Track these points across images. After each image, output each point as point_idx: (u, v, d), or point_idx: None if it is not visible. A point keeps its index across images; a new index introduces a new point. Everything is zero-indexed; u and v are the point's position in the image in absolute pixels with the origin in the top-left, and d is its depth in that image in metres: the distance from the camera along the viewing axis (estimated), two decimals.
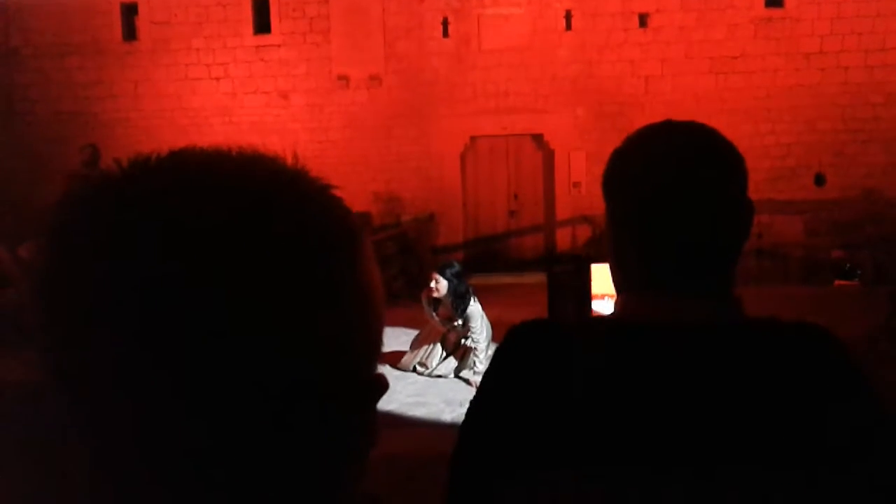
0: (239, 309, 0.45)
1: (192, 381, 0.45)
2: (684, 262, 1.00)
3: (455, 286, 6.05)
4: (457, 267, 6.16)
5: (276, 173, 0.51)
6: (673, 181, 1.00)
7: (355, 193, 12.12)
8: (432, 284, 6.10)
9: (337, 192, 0.53)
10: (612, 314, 1.08)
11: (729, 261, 1.03)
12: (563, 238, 12.04)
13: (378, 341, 0.54)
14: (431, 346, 6.32)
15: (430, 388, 5.99)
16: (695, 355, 0.96)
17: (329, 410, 0.49)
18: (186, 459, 0.46)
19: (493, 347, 6.01)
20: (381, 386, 0.53)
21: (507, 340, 1.07)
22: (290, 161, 0.53)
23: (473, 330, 6.03)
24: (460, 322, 6.14)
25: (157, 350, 0.44)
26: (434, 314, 6.27)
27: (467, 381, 6.10)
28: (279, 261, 0.47)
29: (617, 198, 1.06)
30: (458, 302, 6.05)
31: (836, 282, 10.26)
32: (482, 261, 12.17)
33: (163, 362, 0.44)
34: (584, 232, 11.65)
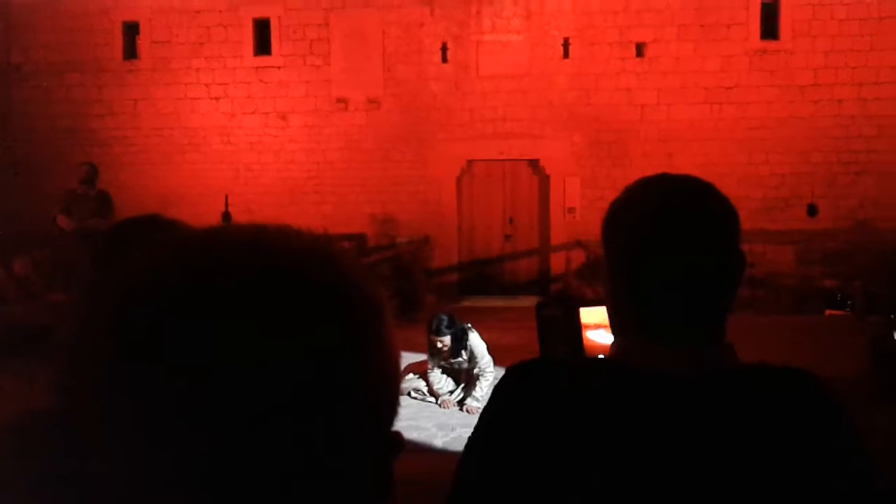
0: (281, 371, 0.49)
1: (228, 438, 0.48)
2: (679, 311, 1.04)
3: (455, 333, 6.07)
4: (446, 318, 6.14)
5: (312, 248, 0.55)
6: (668, 233, 1.04)
7: (351, 215, 12.17)
8: (438, 346, 6.10)
9: (360, 264, 0.58)
10: (608, 356, 1.12)
11: (721, 309, 1.06)
12: (558, 262, 12.09)
13: (397, 400, 0.57)
14: (433, 373, 6.29)
15: (422, 412, 5.99)
16: (691, 401, 1.00)
17: (353, 464, 0.52)
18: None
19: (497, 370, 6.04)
20: (400, 443, 0.57)
21: (506, 381, 1.11)
22: (321, 236, 0.58)
23: (481, 359, 6.07)
24: (465, 358, 6.15)
25: (196, 412, 0.47)
26: (436, 362, 6.25)
27: (460, 406, 6.10)
28: (319, 326, 0.51)
29: (614, 246, 1.10)
30: (457, 343, 6.08)
31: (827, 311, 10.29)
32: (477, 283, 12.19)
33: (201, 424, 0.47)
34: (578, 256, 11.70)
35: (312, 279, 0.52)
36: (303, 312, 0.50)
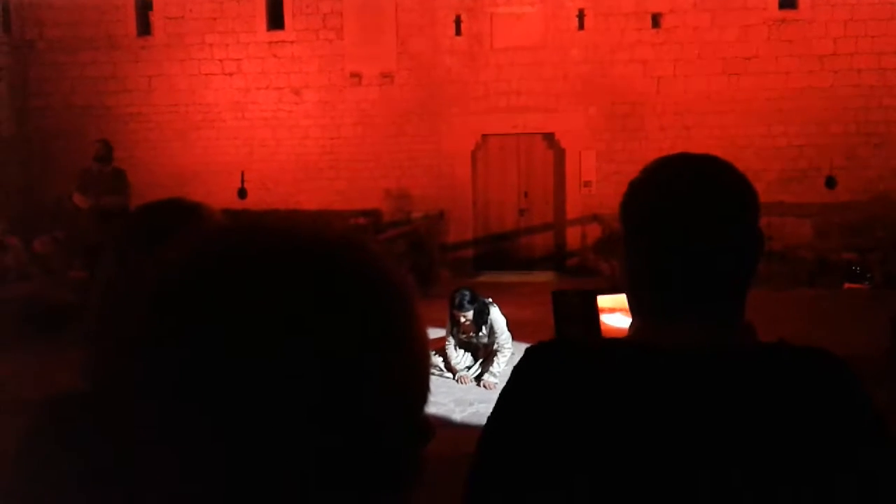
0: (324, 358, 0.51)
1: (272, 421, 0.49)
2: (696, 290, 1.04)
3: (477, 307, 6.11)
4: (469, 293, 6.18)
5: (344, 241, 0.57)
6: (687, 213, 1.04)
7: (366, 190, 12.17)
8: (462, 321, 6.13)
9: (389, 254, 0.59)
10: (626, 337, 1.12)
11: (740, 288, 1.06)
12: (574, 237, 12.06)
13: (427, 388, 0.59)
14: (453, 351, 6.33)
15: (440, 388, 6.02)
16: (706, 380, 1.00)
17: (384, 452, 0.54)
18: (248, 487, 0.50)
19: (515, 346, 6.07)
20: (431, 428, 0.58)
21: (525, 361, 1.11)
22: (351, 228, 0.59)
23: (500, 335, 6.11)
24: (486, 333, 6.19)
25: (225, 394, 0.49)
26: (456, 337, 6.28)
27: (478, 381, 6.13)
28: (352, 316, 0.52)
29: (633, 226, 1.10)
30: (479, 318, 6.11)
31: (846, 284, 10.24)
32: (492, 259, 12.19)
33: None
34: (593, 231, 11.67)
35: (345, 272, 0.54)
36: (336, 304, 0.52)
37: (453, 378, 6.22)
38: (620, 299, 1.14)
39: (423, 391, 0.58)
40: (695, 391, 0.99)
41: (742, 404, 0.99)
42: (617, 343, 1.16)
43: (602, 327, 1.57)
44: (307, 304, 0.51)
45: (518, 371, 1.11)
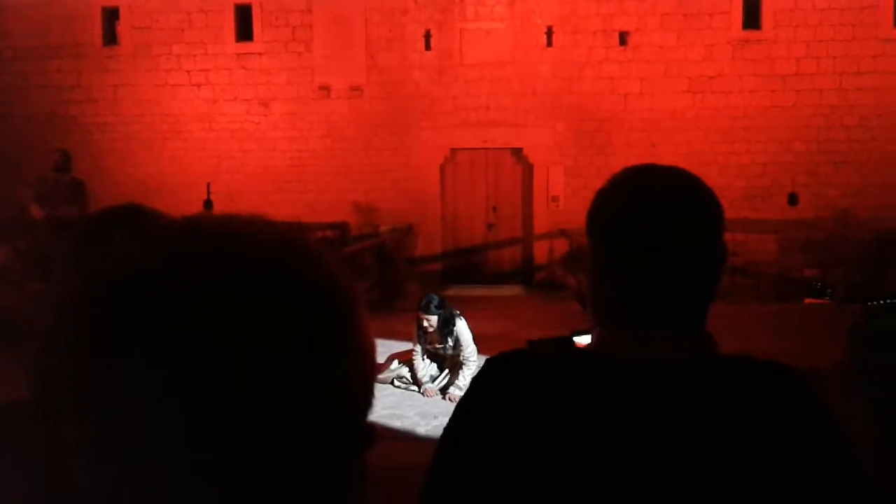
0: (259, 361, 0.49)
1: (206, 419, 0.48)
2: (663, 303, 1.04)
3: (442, 316, 6.10)
4: (437, 299, 6.20)
5: (284, 237, 0.55)
6: (652, 222, 1.04)
7: (334, 203, 12.13)
8: (424, 325, 6.13)
9: (335, 260, 0.57)
10: (590, 347, 1.12)
11: (704, 301, 1.07)
12: (541, 251, 12.11)
13: (372, 392, 0.58)
14: (417, 362, 6.30)
15: (405, 401, 5.99)
16: (668, 391, 1.00)
17: (328, 457, 0.53)
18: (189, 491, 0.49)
19: (481, 359, 6.06)
20: (374, 434, 0.57)
21: (486, 370, 1.10)
22: (295, 226, 0.57)
23: (466, 347, 6.10)
24: (451, 345, 6.18)
25: (173, 391, 0.47)
26: (423, 345, 6.26)
27: (443, 394, 6.11)
28: (295, 317, 0.51)
29: (600, 236, 1.10)
30: (444, 327, 6.10)
31: (807, 300, 10.39)
32: (460, 272, 12.20)
33: (180, 408, 0.48)
34: (561, 245, 11.73)
35: (285, 270, 0.53)
36: (276, 303, 0.50)
37: (419, 391, 6.20)
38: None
39: (367, 394, 0.57)
40: (661, 400, 0.99)
41: (705, 417, 0.99)
42: (580, 354, 1.15)
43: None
44: (243, 301, 0.49)
45: (478, 381, 1.10)
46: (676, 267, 1.04)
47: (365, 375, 0.56)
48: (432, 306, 6.11)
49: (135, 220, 1.06)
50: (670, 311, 1.04)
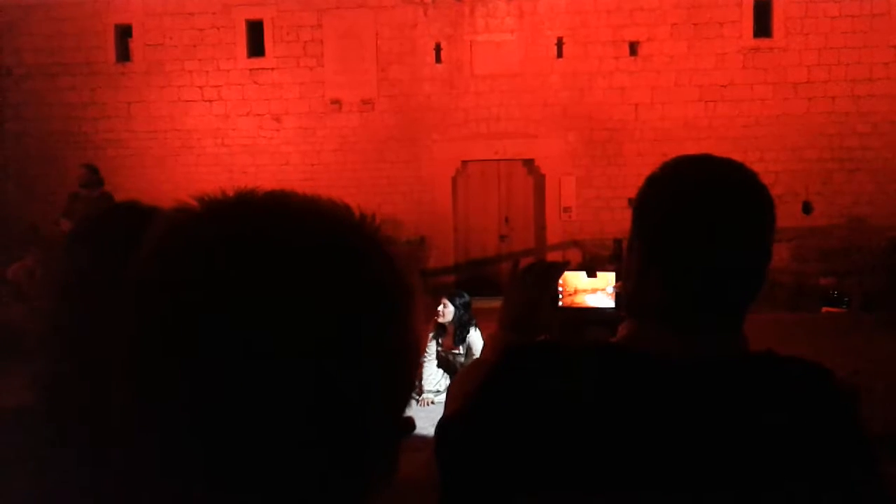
0: (315, 340, 0.49)
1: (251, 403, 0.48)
2: (706, 298, 1.00)
3: (460, 315, 6.10)
4: (466, 298, 6.23)
5: (355, 225, 0.57)
6: (707, 224, 1.00)
7: None
8: (439, 308, 6.14)
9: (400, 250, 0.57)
10: (620, 340, 1.07)
11: (745, 302, 1.03)
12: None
13: (413, 386, 0.58)
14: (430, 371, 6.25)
15: (418, 413, 5.94)
16: (701, 387, 0.97)
17: (368, 444, 0.53)
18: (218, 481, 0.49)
19: None
20: (411, 426, 0.57)
21: (506, 361, 1.06)
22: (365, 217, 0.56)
23: (476, 357, 6.05)
24: (463, 352, 6.16)
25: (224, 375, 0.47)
26: (436, 347, 6.24)
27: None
28: (355, 305, 0.51)
29: (647, 223, 1.05)
30: (460, 330, 6.10)
31: (824, 308, 10.31)
32: (472, 284, 12.13)
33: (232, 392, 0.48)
34: (574, 256, 11.68)
35: (357, 265, 0.53)
36: (346, 298, 0.50)
37: (415, 400, 6.11)
38: (600, 281, 1.12)
39: (409, 386, 0.58)
40: (691, 396, 0.97)
41: (736, 408, 0.96)
42: (605, 348, 1.08)
43: (582, 305, 1.54)
44: (301, 284, 0.49)
45: (499, 370, 1.05)
46: (725, 269, 1.00)
47: (411, 367, 0.57)
48: (456, 299, 6.17)
49: (139, 219, 1.05)
50: (713, 306, 1.00)
